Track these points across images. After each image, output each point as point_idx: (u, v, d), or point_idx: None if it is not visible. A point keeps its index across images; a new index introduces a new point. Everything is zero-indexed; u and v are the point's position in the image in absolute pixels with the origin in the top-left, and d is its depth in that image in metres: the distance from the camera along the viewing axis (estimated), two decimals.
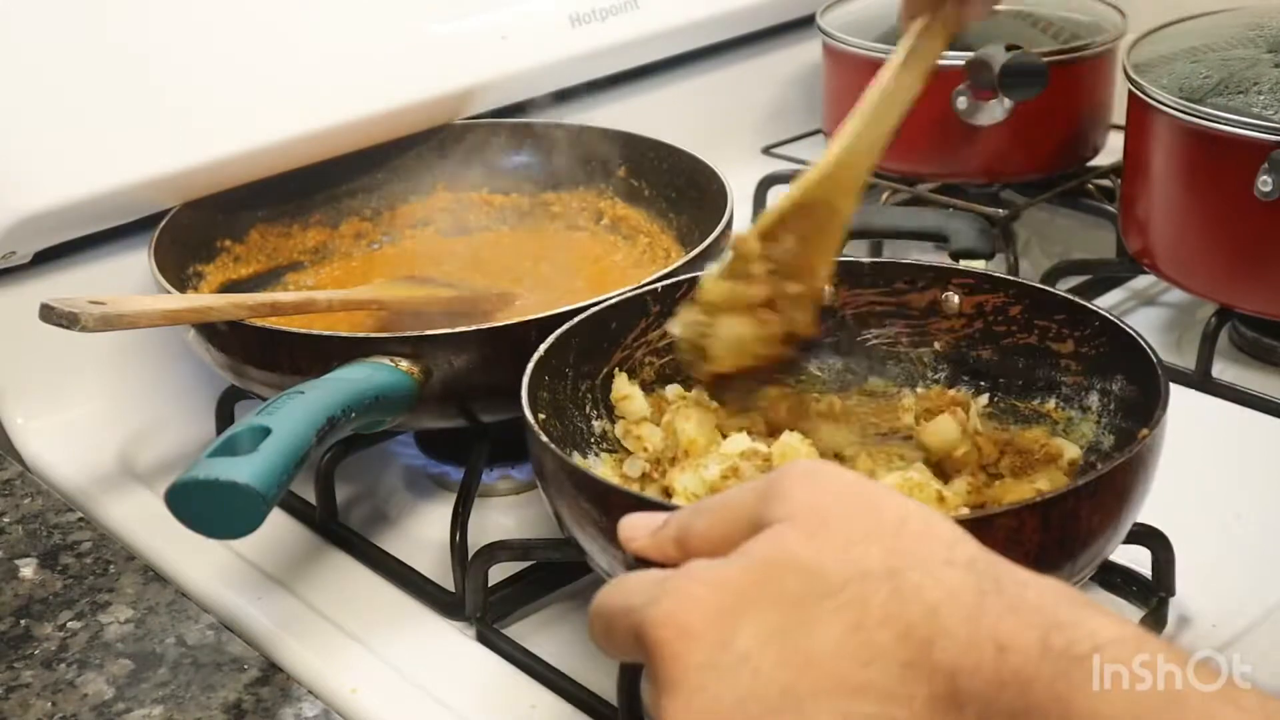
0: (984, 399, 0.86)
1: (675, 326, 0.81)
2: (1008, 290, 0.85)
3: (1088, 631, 0.43)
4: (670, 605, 0.46)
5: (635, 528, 0.54)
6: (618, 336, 0.85)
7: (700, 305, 0.79)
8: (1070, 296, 0.85)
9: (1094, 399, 0.82)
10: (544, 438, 0.71)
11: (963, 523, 0.63)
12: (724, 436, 0.81)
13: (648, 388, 0.86)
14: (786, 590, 0.46)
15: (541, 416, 0.75)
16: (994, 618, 0.44)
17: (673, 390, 0.85)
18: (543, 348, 0.79)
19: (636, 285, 0.86)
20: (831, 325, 0.88)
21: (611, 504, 0.67)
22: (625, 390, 0.84)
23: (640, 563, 0.53)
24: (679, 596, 0.47)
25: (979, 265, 0.91)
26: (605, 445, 0.83)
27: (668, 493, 0.76)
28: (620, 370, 0.85)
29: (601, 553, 0.69)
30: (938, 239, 0.97)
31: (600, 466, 0.82)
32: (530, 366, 0.77)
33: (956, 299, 0.87)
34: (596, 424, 0.84)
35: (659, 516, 0.54)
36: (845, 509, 0.48)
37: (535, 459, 0.74)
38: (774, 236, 0.78)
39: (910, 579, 0.45)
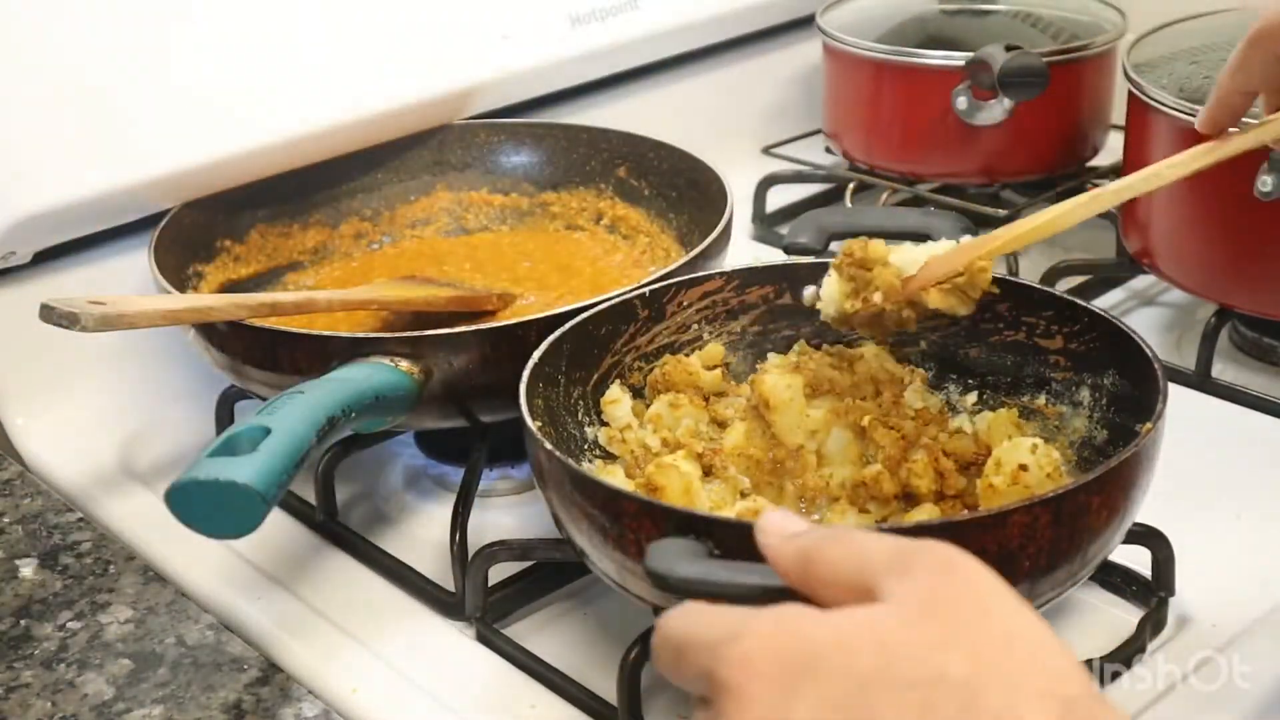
0: (972, 396, 0.86)
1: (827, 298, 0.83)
2: (994, 287, 0.86)
3: None
4: (749, 646, 0.46)
5: (774, 525, 0.53)
6: (607, 342, 0.86)
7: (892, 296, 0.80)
8: (1057, 293, 0.85)
9: (1085, 394, 0.82)
10: (547, 444, 0.71)
11: (978, 520, 0.64)
12: (722, 428, 0.82)
13: (638, 393, 0.86)
14: (859, 670, 0.44)
15: (538, 424, 0.75)
16: None
17: (664, 400, 0.85)
18: (536, 354, 0.79)
19: (624, 290, 0.86)
20: (818, 326, 0.88)
21: (610, 507, 0.67)
22: (614, 395, 0.84)
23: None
24: (760, 640, 0.46)
25: None
26: (598, 452, 0.83)
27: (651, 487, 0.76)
28: (612, 376, 0.85)
29: (601, 555, 0.69)
30: (921, 238, 0.97)
31: (594, 473, 0.82)
32: (526, 373, 0.78)
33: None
34: (589, 430, 0.84)
35: (800, 523, 0.53)
36: (957, 609, 0.46)
37: (535, 463, 0.74)
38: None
39: (989, 701, 0.43)
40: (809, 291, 0.87)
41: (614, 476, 0.79)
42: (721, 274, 0.90)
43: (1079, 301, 0.83)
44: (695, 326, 0.89)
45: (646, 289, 0.87)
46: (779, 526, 0.52)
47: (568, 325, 0.83)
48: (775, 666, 0.45)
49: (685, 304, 0.89)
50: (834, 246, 0.92)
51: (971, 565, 0.48)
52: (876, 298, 0.79)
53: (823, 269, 0.88)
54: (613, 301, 0.85)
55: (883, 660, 0.44)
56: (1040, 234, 0.79)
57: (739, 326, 0.90)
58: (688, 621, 0.49)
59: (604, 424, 0.84)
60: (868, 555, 0.49)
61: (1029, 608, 0.47)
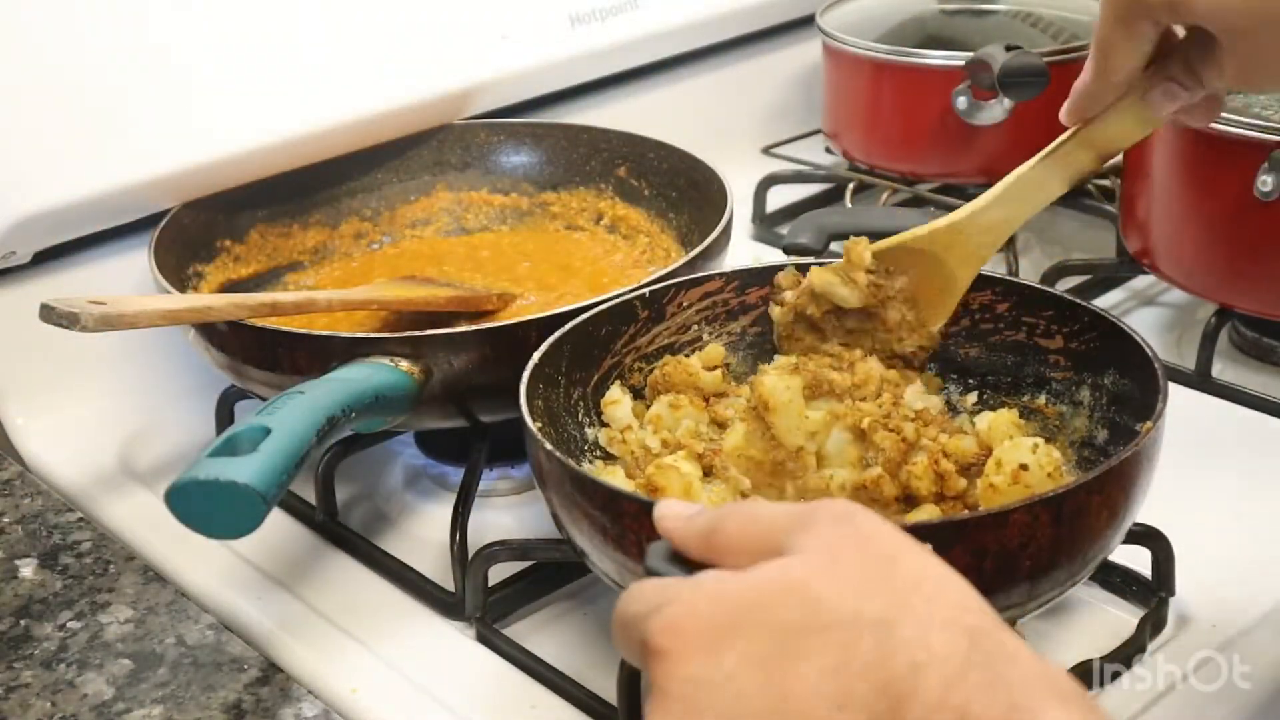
0: (972, 396, 0.86)
1: (775, 309, 0.85)
2: (994, 288, 0.86)
3: (1042, 718, 0.44)
4: (671, 614, 0.48)
5: (670, 509, 0.55)
6: (608, 343, 0.86)
7: (797, 289, 0.83)
8: (1057, 292, 0.85)
9: (1085, 394, 0.82)
10: (547, 445, 0.71)
11: (978, 520, 0.64)
12: (722, 428, 0.82)
13: (638, 394, 0.86)
14: (781, 619, 0.47)
15: (538, 425, 0.75)
16: (969, 687, 0.44)
17: (664, 400, 0.85)
18: (537, 355, 0.79)
19: (624, 290, 0.86)
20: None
21: (611, 508, 0.67)
22: (614, 396, 0.84)
23: (661, 567, 0.54)
24: (680, 606, 0.48)
25: None
26: (599, 453, 0.83)
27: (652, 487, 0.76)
28: (612, 377, 0.85)
29: (601, 556, 0.69)
30: None
31: (594, 473, 0.82)
32: (526, 374, 0.78)
33: None
34: (589, 431, 0.84)
35: (694, 506, 0.55)
36: (863, 555, 0.48)
37: (535, 464, 0.74)
38: (887, 261, 0.82)
39: (902, 634, 0.45)
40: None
41: (614, 477, 0.79)
42: (721, 275, 0.90)
43: (1079, 301, 0.83)
44: (695, 327, 0.89)
45: (646, 289, 0.87)
46: (676, 511, 0.55)
47: (568, 326, 0.83)
48: (700, 628, 0.47)
49: (685, 305, 0.89)
50: (834, 246, 0.92)
51: (868, 514, 0.51)
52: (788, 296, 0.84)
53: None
54: (613, 302, 0.85)
55: (801, 608, 0.47)
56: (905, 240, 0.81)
57: (739, 327, 0.90)
58: (627, 598, 0.51)
59: (604, 425, 0.84)
60: (768, 519, 0.51)
61: (927, 550, 0.50)
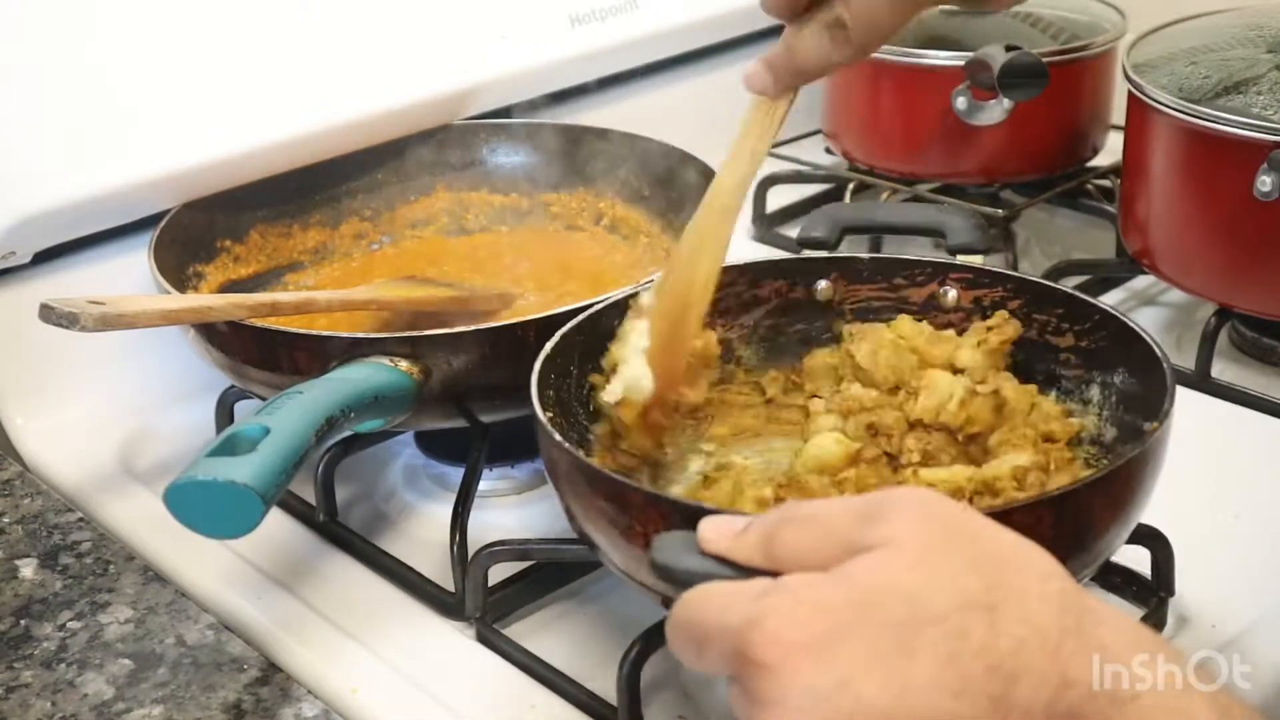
0: None
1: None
2: (1005, 284, 0.86)
3: (1134, 676, 0.46)
4: (775, 625, 0.47)
5: (717, 529, 0.54)
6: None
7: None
8: (1069, 290, 0.85)
9: (1095, 392, 0.81)
10: (557, 435, 0.71)
11: None
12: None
13: None
14: (889, 617, 0.47)
15: (549, 415, 0.75)
16: (1068, 653, 0.46)
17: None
18: (549, 345, 0.79)
19: (639, 283, 0.86)
20: (830, 321, 0.89)
21: (625, 500, 0.67)
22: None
23: (706, 567, 0.53)
24: (784, 618, 0.47)
25: (976, 260, 0.91)
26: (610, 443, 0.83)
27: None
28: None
29: (614, 549, 0.69)
30: (934, 234, 0.97)
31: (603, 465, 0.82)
32: (538, 364, 0.78)
33: (954, 293, 0.87)
34: (600, 423, 0.84)
35: (739, 520, 0.54)
36: (947, 539, 0.49)
37: (547, 456, 0.74)
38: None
39: (1007, 612, 0.46)
40: (823, 286, 0.88)
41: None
42: (733, 267, 0.89)
43: (1090, 299, 0.82)
44: (707, 320, 0.89)
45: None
46: (723, 529, 0.54)
47: (581, 317, 0.82)
48: (806, 637, 0.47)
49: None
50: (847, 241, 0.93)
51: (937, 497, 0.51)
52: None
53: (836, 263, 0.89)
54: (628, 294, 0.85)
55: (905, 604, 0.47)
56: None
57: (751, 320, 0.90)
58: (702, 609, 0.50)
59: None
60: (828, 518, 0.51)
61: (996, 523, 0.50)
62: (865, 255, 0.92)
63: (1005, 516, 0.62)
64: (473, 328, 0.86)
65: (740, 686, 0.48)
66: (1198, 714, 0.46)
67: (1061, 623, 0.47)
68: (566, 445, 0.71)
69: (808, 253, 0.92)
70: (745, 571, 0.52)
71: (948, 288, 0.87)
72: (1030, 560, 0.49)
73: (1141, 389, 0.77)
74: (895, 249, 1.14)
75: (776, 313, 0.90)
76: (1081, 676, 0.46)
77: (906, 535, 0.48)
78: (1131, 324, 0.79)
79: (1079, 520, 0.65)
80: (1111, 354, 0.80)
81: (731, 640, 0.48)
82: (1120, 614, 0.48)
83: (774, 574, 0.50)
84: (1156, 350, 0.76)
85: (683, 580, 0.55)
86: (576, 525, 0.73)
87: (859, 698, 0.46)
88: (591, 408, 0.83)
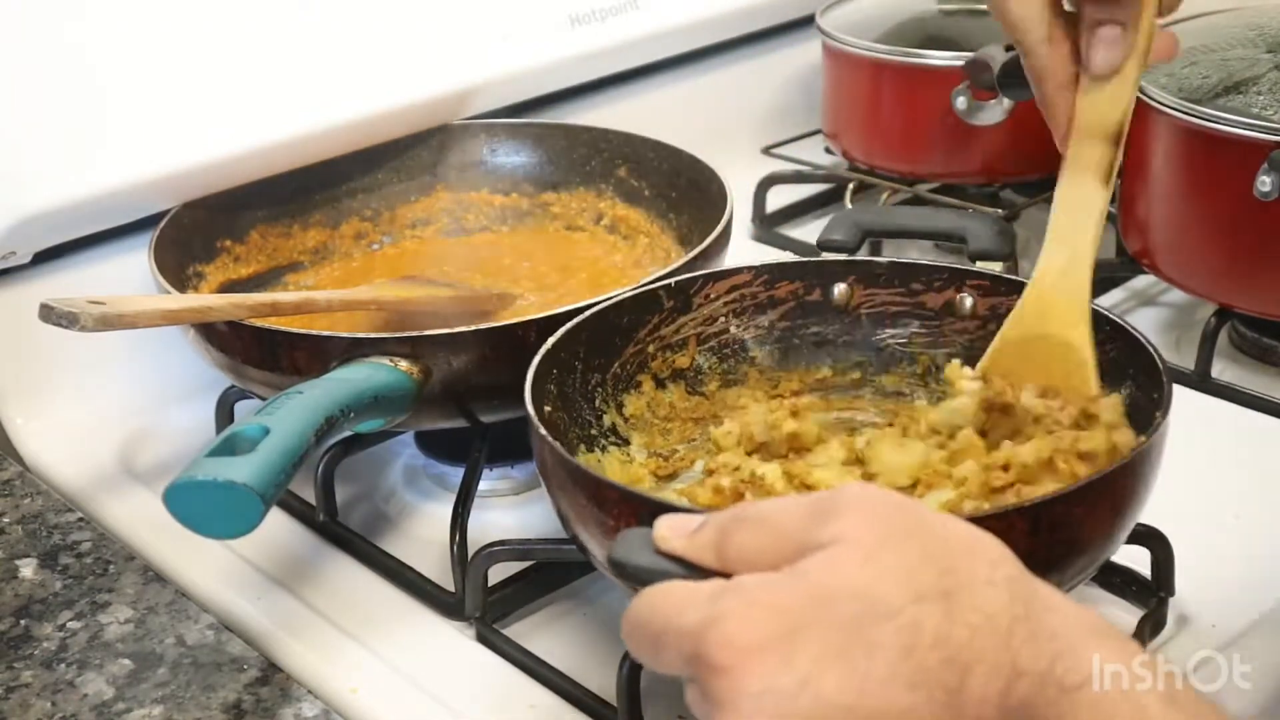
0: None
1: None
2: (1019, 292, 0.85)
3: (1085, 661, 0.46)
4: (731, 628, 0.47)
5: (671, 529, 0.54)
6: (630, 332, 0.86)
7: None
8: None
9: None
10: (545, 432, 0.71)
11: (978, 521, 0.64)
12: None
13: (660, 384, 0.87)
14: (845, 614, 0.47)
15: (547, 409, 0.75)
16: (1019, 642, 0.46)
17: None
18: (551, 341, 0.80)
19: (650, 280, 0.87)
20: (846, 324, 0.89)
21: (611, 501, 0.67)
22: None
23: (661, 568, 0.53)
24: (739, 619, 0.47)
25: (995, 267, 0.91)
26: (614, 439, 0.84)
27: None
28: (635, 364, 0.86)
29: (597, 547, 0.69)
30: (955, 240, 0.97)
31: (608, 461, 0.82)
32: (536, 361, 0.78)
33: (971, 300, 0.87)
34: (606, 418, 0.84)
35: (694, 519, 0.54)
36: (899, 533, 0.49)
37: (538, 455, 0.74)
38: (999, 371, 0.77)
39: (960, 600, 0.47)
40: (840, 289, 0.88)
41: (629, 463, 0.80)
42: (750, 268, 0.89)
43: (1104, 310, 0.81)
44: (722, 319, 0.89)
45: (672, 280, 0.87)
46: (677, 528, 0.54)
47: (586, 314, 0.83)
48: (762, 638, 0.47)
49: (713, 296, 0.89)
50: (866, 245, 0.92)
51: (884, 492, 0.52)
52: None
53: (853, 266, 0.89)
54: (637, 291, 0.86)
55: (860, 599, 0.47)
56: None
57: (767, 321, 0.90)
58: (655, 609, 0.50)
59: (623, 413, 0.85)
60: (779, 518, 0.51)
61: (944, 513, 0.51)
62: (883, 259, 0.92)
63: (1004, 517, 0.63)
64: (473, 328, 0.86)
65: (699, 688, 0.48)
66: (1145, 700, 0.46)
67: (1011, 610, 0.47)
68: (551, 439, 0.71)
69: (826, 255, 0.92)
70: (701, 571, 0.52)
71: (965, 294, 0.87)
72: (980, 548, 0.49)
73: (1142, 398, 0.76)
74: (894, 251, 1.14)
75: (793, 314, 0.90)
76: (1031, 665, 0.46)
77: (857, 532, 0.49)
78: (1138, 335, 0.77)
79: (1079, 520, 0.65)
80: (1121, 365, 0.80)
81: (688, 643, 0.48)
82: (1070, 601, 0.48)
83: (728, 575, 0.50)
84: (1157, 362, 0.75)
85: (638, 578, 0.54)
86: (564, 523, 0.73)
87: (818, 696, 0.46)
88: (598, 402, 0.83)
